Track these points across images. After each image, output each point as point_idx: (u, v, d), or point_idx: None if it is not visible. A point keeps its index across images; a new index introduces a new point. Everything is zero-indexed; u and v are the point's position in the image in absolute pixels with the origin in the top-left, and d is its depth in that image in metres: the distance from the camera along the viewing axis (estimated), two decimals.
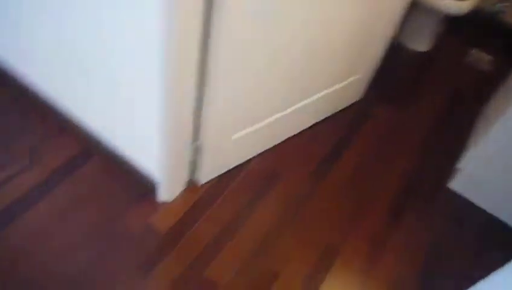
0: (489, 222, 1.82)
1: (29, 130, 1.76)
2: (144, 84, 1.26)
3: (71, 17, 1.31)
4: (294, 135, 1.93)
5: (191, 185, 1.69)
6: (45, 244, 1.47)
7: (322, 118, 2.01)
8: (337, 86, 1.87)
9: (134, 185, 1.65)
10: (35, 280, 1.39)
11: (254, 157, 1.82)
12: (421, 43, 2.55)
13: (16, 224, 1.51)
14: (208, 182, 1.71)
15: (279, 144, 1.89)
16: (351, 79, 1.91)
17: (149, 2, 1.04)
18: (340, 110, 2.07)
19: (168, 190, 1.59)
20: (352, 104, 2.12)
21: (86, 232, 1.52)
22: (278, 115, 1.71)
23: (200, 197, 1.66)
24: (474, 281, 1.15)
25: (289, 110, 1.74)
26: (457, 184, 1.87)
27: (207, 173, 1.67)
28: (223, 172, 1.74)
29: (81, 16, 1.27)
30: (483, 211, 1.84)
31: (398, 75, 2.40)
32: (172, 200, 1.63)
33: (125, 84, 1.33)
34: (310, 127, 1.98)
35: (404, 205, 1.79)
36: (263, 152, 1.84)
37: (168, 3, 1.01)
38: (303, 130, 1.95)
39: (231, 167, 1.76)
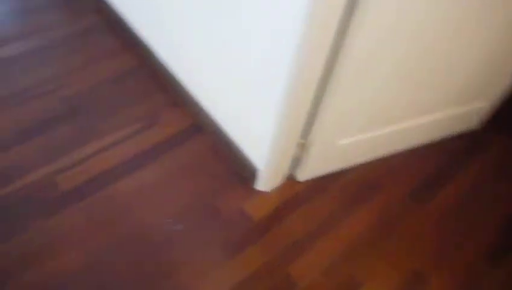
0: None
1: (150, 97, 1.86)
2: (269, 77, 1.28)
3: None
4: (403, 151, 1.87)
5: (290, 180, 1.70)
6: (142, 206, 1.56)
7: (435, 139, 1.93)
8: (458, 109, 1.78)
9: (236, 168, 1.69)
10: (128, 237, 1.49)
11: (358, 165, 1.79)
12: None
13: (120, 184, 1.61)
14: (307, 181, 1.71)
15: (386, 157, 1.84)
16: (474, 104, 1.81)
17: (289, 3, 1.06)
18: (455, 135, 1.98)
19: (267, 180, 1.61)
20: (470, 131, 2.01)
21: (182, 203, 1.59)
22: (391, 128, 1.66)
23: (297, 194, 1.67)
24: None
25: (403, 124, 1.68)
26: None
27: (308, 172, 1.67)
28: (323, 174, 1.73)
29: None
30: None
31: None
32: (270, 191, 1.66)
33: (251, 73, 1.36)
34: (420, 146, 1.91)
35: (504, 250, 1.66)
36: (368, 162, 1.81)
37: (308, 4, 1.01)
38: (412, 148, 1.89)
39: (333, 171, 1.75)
